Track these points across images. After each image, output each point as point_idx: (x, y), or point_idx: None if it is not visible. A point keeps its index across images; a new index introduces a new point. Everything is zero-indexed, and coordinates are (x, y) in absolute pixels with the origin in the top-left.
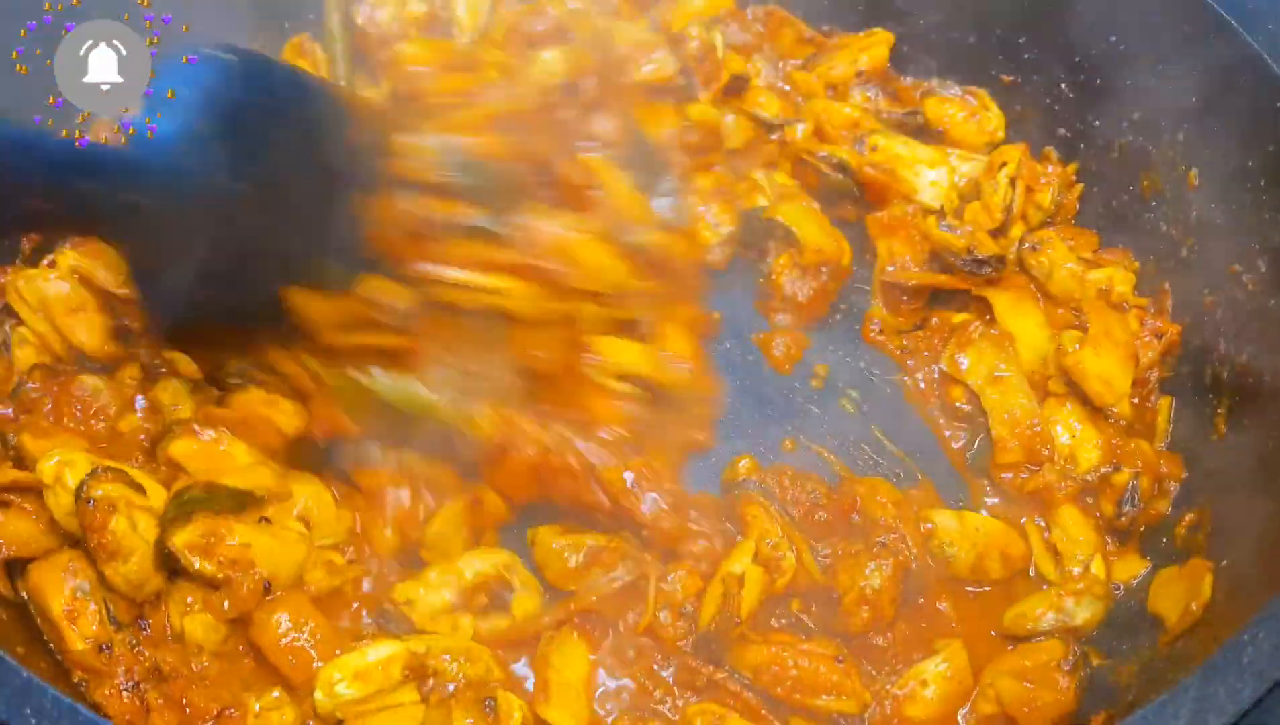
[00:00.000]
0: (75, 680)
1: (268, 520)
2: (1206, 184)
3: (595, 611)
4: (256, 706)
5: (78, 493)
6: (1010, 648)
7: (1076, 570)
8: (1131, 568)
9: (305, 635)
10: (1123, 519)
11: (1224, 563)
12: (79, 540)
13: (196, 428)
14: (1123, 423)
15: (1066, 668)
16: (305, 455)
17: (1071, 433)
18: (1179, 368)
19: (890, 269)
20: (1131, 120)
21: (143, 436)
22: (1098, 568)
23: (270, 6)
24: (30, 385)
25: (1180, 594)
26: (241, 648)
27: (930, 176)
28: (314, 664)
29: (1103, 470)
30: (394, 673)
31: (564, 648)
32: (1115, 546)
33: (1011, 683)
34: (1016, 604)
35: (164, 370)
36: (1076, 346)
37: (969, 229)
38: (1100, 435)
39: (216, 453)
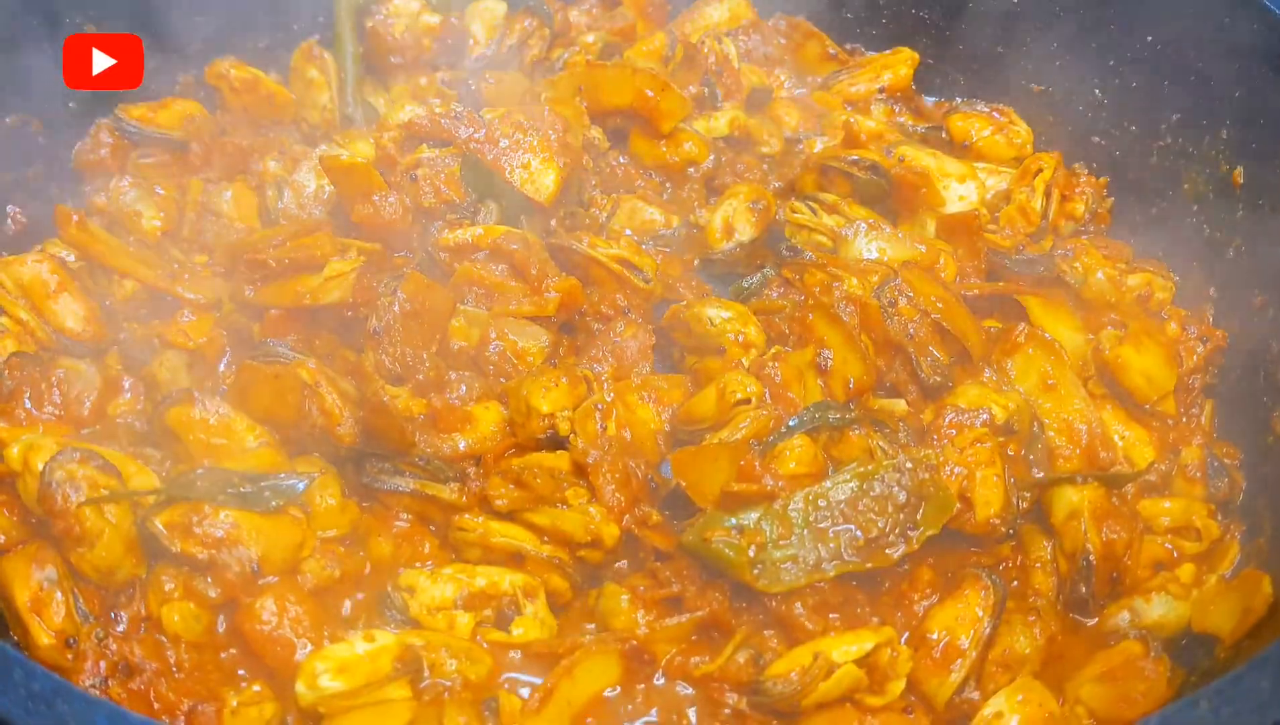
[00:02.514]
0: None
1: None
2: (1253, 181)
3: (650, 648)
4: (234, 702)
5: (40, 476)
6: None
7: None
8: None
9: (294, 624)
10: (1218, 490)
11: None
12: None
13: (196, 396)
14: (1169, 421)
15: (1153, 655)
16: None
17: (1120, 434)
18: (1228, 372)
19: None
20: (1170, 122)
21: (134, 418)
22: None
23: (280, 11)
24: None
25: (1233, 606)
26: (224, 638)
27: (959, 190)
28: (300, 655)
29: (1161, 467)
30: (383, 666)
31: (597, 664)
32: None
33: (1097, 687)
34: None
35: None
36: (1117, 343)
37: (1008, 232)
38: (1149, 432)
39: (219, 427)
